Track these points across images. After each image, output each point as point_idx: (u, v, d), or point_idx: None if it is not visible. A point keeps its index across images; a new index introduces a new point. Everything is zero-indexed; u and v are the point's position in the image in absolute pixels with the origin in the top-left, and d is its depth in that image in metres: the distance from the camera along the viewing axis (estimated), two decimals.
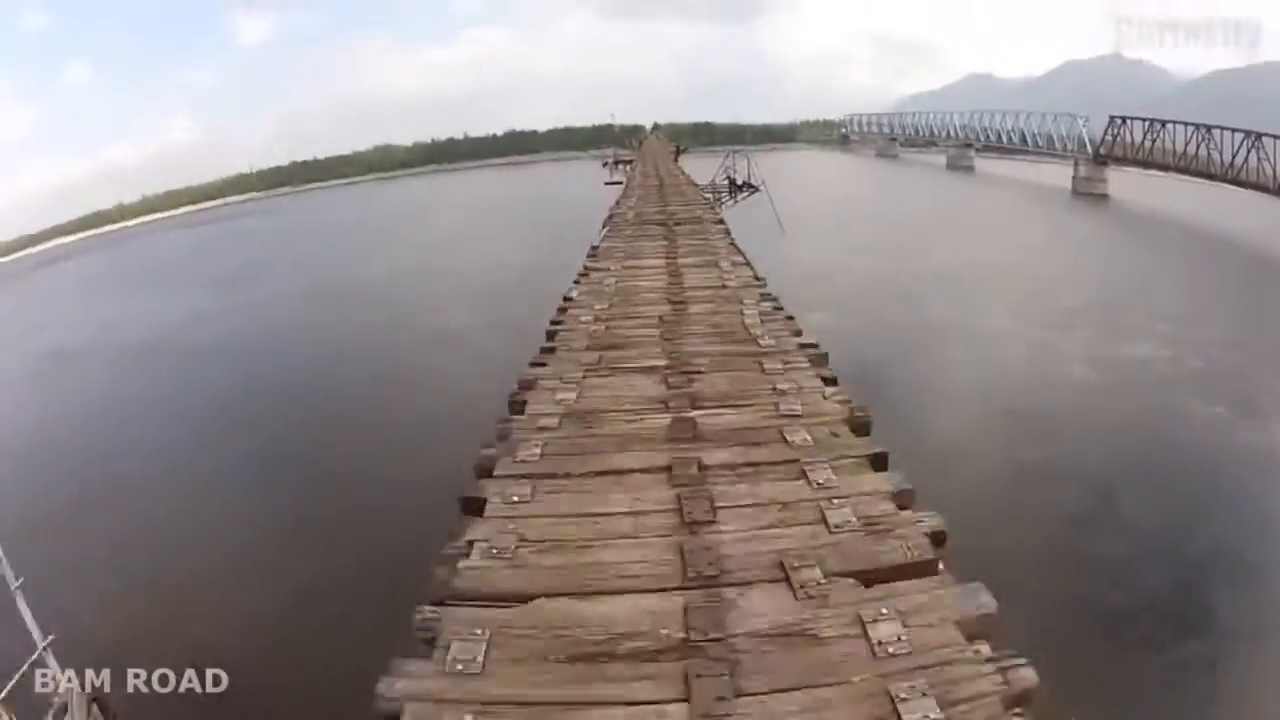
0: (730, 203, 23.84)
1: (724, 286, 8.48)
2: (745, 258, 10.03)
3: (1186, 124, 46.66)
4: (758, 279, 8.71)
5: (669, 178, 26.54)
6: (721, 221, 14.03)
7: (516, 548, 3.35)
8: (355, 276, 34.06)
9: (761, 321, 6.96)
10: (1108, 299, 23.88)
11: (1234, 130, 42.62)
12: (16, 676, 4.91)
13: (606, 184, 33.33)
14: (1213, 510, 11.50)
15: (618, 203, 18.64)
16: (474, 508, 3.82)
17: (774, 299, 7.78)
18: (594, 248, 11.45)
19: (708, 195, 23.03)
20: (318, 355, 22.74)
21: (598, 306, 7.71)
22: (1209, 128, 44.73)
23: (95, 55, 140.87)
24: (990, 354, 19.14)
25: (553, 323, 7.29)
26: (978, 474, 12.48)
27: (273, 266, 40.74)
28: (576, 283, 9.01)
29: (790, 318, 7.12)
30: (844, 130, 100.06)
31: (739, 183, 24.52)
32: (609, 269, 9.68)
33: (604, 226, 14.17)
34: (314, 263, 40.28)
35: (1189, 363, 18.18)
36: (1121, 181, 50.48)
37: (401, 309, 27.19)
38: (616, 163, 39.83)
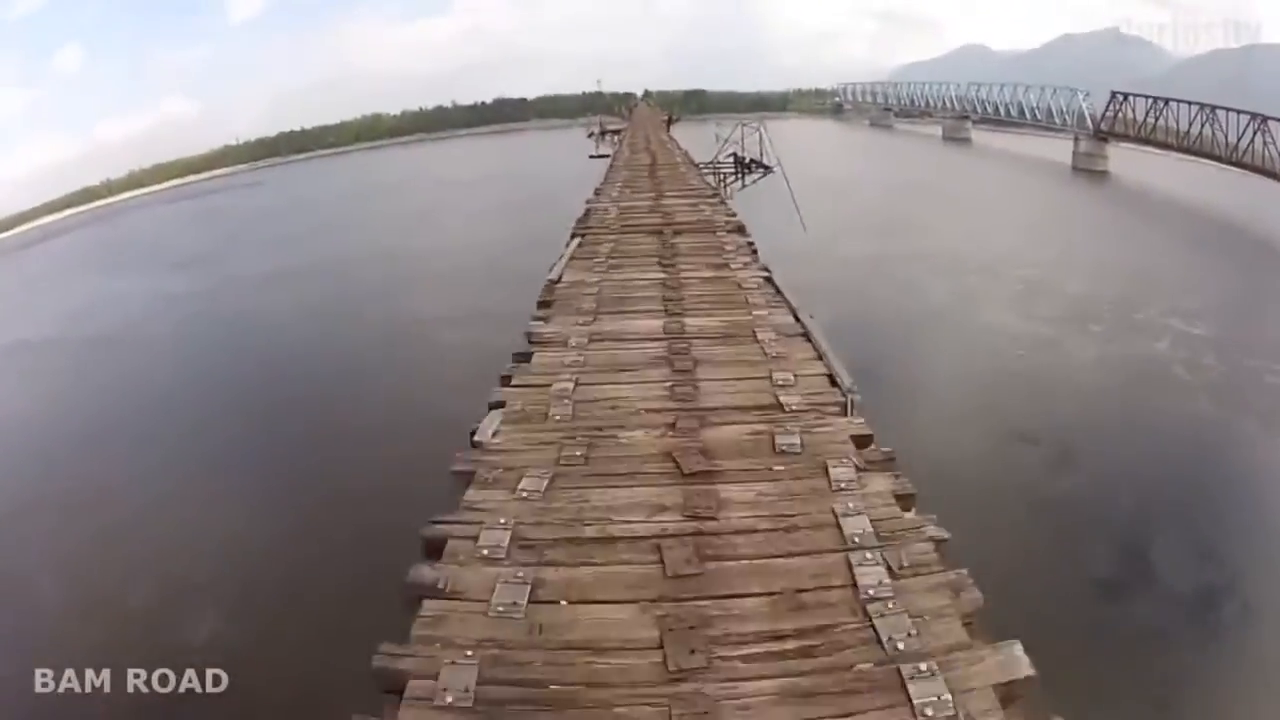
0: (738, 186, 19.02)
1: (779, 407, 4.24)
2: (799, 317, 5.72)
3: (1190, 103, 43.49)
4: (839, 387, 4.41)
5: (661, 152, 21.82)
6: (741, 229, 9.52)
7: None
8: (322, 259, 30.46)
9: (879, 536, 2.77)
10: (1117, 288, 21.00)
11: (1239, 112, 40.04)
12: None
13: (592, 157, 28.31)
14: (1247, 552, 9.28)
15: (597, 191, 13.92)
16: None
17: (885, 453, 3.58)
18: (550, 284, 7.09)
19: (707, 172, 18.43)
20: (277, 342, 20.51)
21: (532, 475, 3.45)
22: (1213, 108, 41.79)
23: (87, 35, 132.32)
24: (995, 355, 16.36)
25: (435, 523, 3.08)
26: (987, 509, 9.55)
27: (242, 247, 36.79)
28: (507, 380, 4.73)
29: (932, 531, 2.95)
30: (837, 100, 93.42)
31: (747, 161, 19.29)
32: (568, 342, 5.40)
33: (572, 237, 9.46)
34: (284, 244, 35.64)
35: (1209, 365, 15.62)
36: (1122, 158, 47.27)
37: (369, 291, 24.68)
38: (604, 132, 34.49)
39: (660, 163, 18.38)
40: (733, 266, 7.49)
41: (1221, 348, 16.25)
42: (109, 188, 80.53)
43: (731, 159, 19.38)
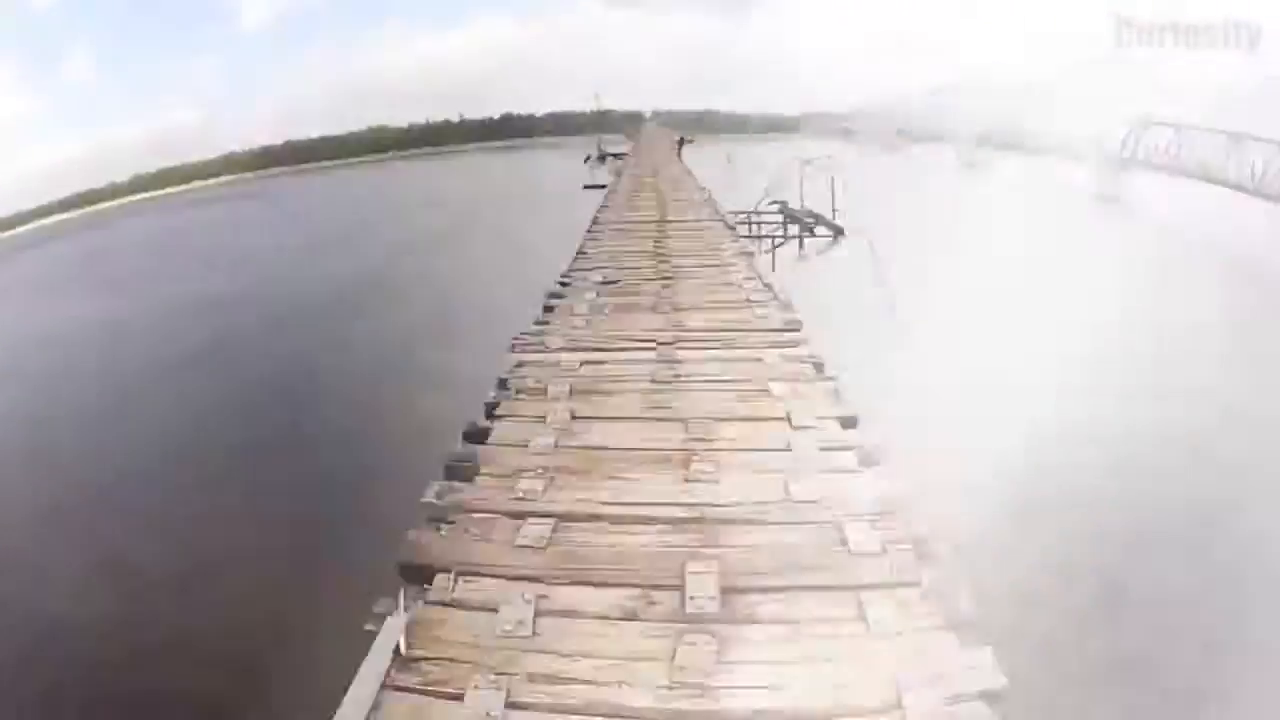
0: (788, 252, 13.93)
1: None
2: None
3: (1216, 130, 38.91)
4: None
5: (674, 195, 16.20)
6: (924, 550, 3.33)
7: None
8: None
9: None
10: (1166, 350, 16.33)
11: (1267, 141, 36.25)
12: None
13: (587, 187, 23.28)
14: None
15: (550, 304, 7.67)
16: None
17: None
18: None
19: (740, 224, 13.45)
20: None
21: None
22: (1240, 135, 37.45)
23: (97, 39, 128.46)
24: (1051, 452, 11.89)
25: None
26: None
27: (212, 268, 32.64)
28: None
29: None
30: (847, 125, 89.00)
31: (803, 216, 13.66)
32: None
33: (461, 466, 3.87)
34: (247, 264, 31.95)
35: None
36: (1143, 187, 42.85)
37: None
38: (602, 156, 28.85)
39: (673, 217, 13.23)
40: None
41: None
42: (112, 191, 76.84)
43: (778, 207, 14.14)
